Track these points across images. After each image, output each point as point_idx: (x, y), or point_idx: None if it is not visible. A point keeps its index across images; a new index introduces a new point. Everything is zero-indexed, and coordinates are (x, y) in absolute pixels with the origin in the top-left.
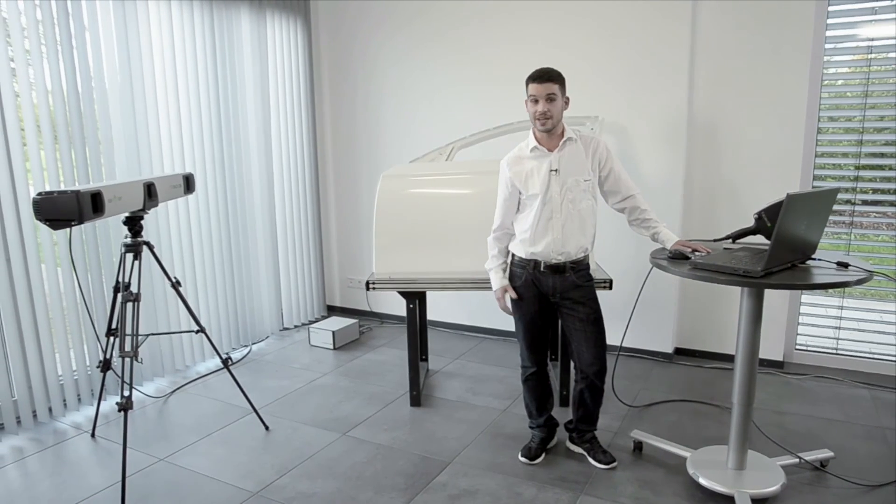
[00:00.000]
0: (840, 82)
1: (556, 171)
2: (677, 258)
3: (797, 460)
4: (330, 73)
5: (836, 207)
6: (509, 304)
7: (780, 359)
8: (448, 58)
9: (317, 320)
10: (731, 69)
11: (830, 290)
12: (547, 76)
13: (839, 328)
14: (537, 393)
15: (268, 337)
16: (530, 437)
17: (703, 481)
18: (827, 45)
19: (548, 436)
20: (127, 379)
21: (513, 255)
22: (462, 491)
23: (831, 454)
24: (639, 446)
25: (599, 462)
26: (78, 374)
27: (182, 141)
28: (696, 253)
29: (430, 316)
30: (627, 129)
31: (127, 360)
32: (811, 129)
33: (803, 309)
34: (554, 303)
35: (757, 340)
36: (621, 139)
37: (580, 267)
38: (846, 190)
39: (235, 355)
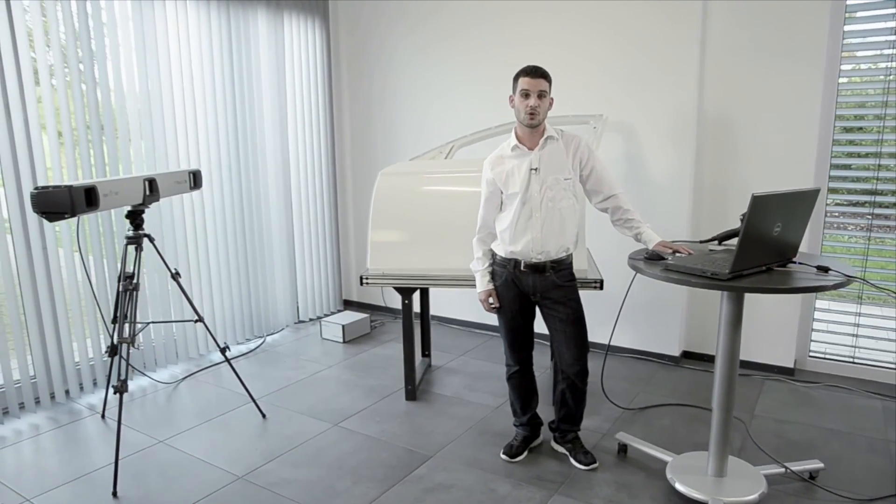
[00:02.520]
0: (860, 79)
1: (536, 169)
2: (653, 259)
3: (783, 470)
4: (349, 71)
5: (853, 210)
6: (494, 304)
7: (791, 366)
8: (460, 57)
9: (332, 314)
10: (743, 67)
11: (847, 296)
12: (540, 72)
13: (856, 336)
14: (521, 391)
15: (283, 329)
16: (514, 435)
17: (679, 486)
18: (845, 41)
19: (531, 434)
20: (124, 364)
21: (494, 253)
22: (437, 484)
23: (821, 465)
24: (623, 449)
25: (580, 463)
26: (95, 360)
27: (198, 138)
28: (678, 254)
29: (442, 312)
30: (636, 128)
31: (125, 345)
32: (826, 127)
33: (818, 315)
34: (535, 302)
35: (737, 344)
36: (630, 138)
37: (561, 267)
38: (865, 192)
39: (249, 346)
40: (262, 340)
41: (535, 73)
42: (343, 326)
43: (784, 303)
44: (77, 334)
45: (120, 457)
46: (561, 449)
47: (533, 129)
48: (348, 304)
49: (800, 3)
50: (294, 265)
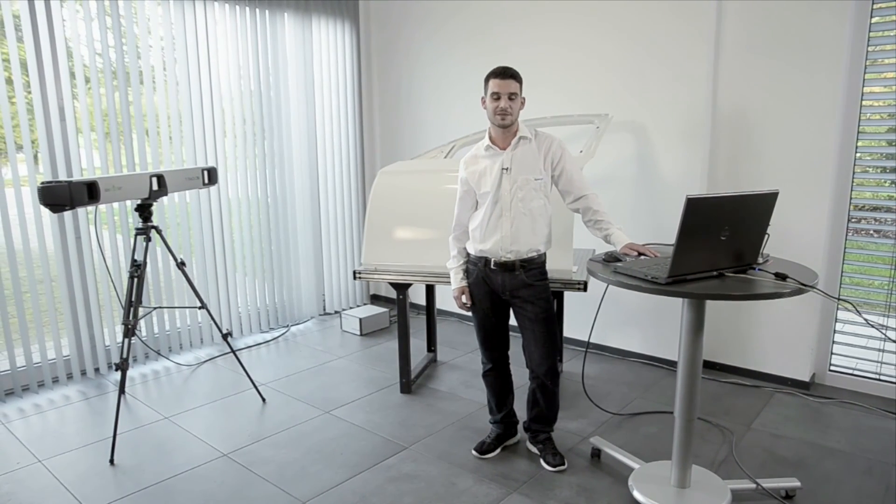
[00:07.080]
0: (884, 75)
1: (507, 169)
2: (610, 261)
3: (754, 486)
4: (379, 70)
5: (880, 216)
6: (466, 302)
7: (807, 379)
8: (481, 57)
9: (356, 307)
10: (759, 66)
11: (874, 308)
12: (510, 74)
13: (882, 350)
14: (496, 389)
15: (308, 320)
16: (488, 432)
17: (637, 494)
18: (872, 34)
19: (505, 433)
20: (125, 347)
21: (467, 252)
22: (402, 475)
23: (797, 484)
24: (597, 454)
25: (548, 464)
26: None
27: (224, 136)
28: (642, 257)
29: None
30: (649, 128)
31: (129, 329)
32: (849, 127)
33: (840, 327)
34: (506, 301)
35: (698, 351)
36: (643, 138)
37: (531, 266)
38: (890, 196)
39: (273, 334)
40: (285, 330)
41: (505, 74)
42: (360, 319)
43: (800, 312)
44: (107, 318)
45: (128, 429)
46: (534, 449)
47: (505, 129)
48: (376, 299)
49: (821, 1)
50: (321, 259)
